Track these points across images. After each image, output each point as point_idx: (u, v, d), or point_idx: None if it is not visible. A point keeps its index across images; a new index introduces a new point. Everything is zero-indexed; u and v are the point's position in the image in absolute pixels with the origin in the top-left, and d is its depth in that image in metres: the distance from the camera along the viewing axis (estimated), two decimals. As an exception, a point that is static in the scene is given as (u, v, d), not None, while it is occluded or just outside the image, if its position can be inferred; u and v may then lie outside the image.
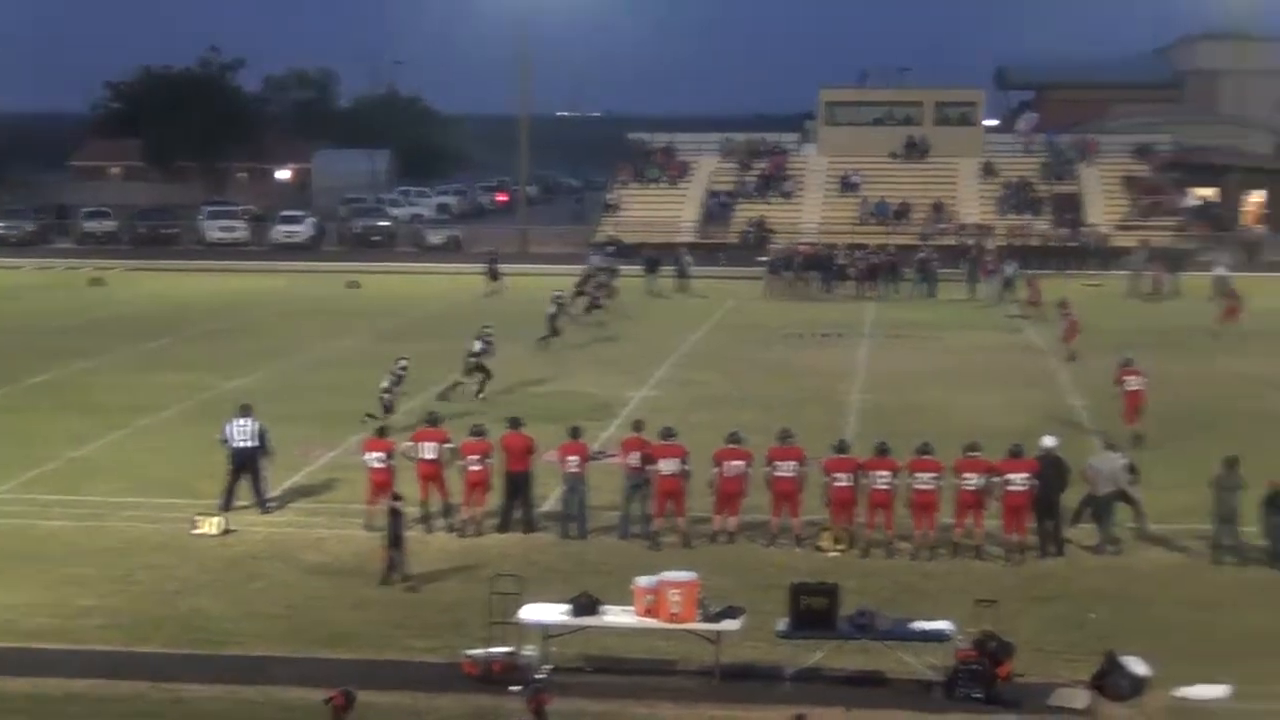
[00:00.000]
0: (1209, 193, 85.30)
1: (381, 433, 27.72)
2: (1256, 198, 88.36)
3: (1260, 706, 18.67)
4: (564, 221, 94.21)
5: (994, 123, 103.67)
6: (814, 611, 19.68)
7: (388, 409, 34.17)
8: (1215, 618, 22.24)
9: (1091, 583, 23.95)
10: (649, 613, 19.94)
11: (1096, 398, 38.16)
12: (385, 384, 34.93)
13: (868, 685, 19.46)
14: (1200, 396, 39.32)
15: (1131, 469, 26.67)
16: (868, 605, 20.46)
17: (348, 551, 25.56)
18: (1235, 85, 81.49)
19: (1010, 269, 61.62)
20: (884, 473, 25.31)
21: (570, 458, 26.41)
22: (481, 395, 37.92)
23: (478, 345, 38.95)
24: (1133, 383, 34.13)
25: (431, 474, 26.77)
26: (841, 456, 25.80)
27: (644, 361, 44.70)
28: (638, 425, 27.48)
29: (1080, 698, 18.94)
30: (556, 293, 49.88)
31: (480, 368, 38.62)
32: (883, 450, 25.71)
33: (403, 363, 35.89)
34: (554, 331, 47.40)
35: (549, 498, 27.72)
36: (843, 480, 25.41)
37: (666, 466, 25.87)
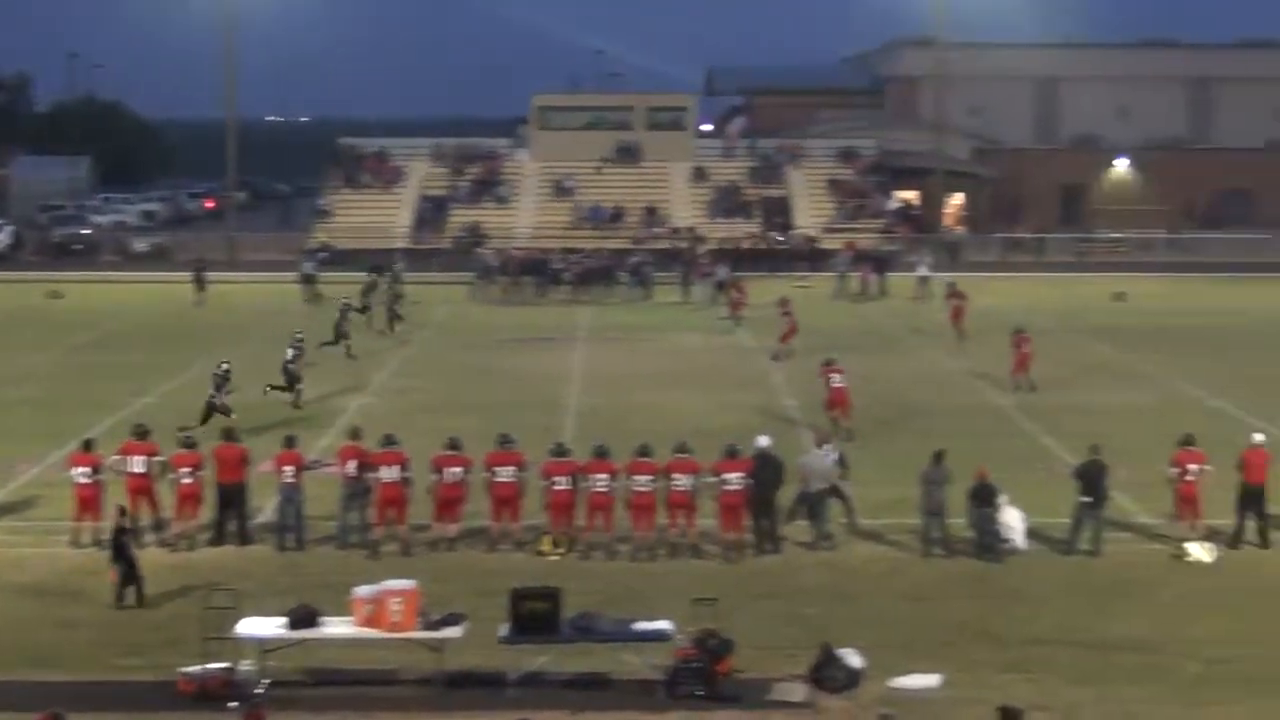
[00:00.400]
0: (911, 196, 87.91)
1: (87, 446, 26.87)
2: (956, 200, 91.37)
3: (969, 694, 19.25)
4: (274, 228, 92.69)
5: (708, 127, 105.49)
6: (536, 616, 19.68)
7: (294, 380, 37.08)
8: (925, 609, 22.89)
9: (807, 579, 24.43)
10: (369, 623, 19.70)
11: (808, 396, 39.03)
12: (289, 355, 37.35)
13: (592, 687, 19.53)
14: (908, 392, 40.48)
15: (842, 463, 27.33)
16: (589, 608, 20.57)
17: (52, 570, 24.71)
18: (934, 91, 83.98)
19: (723, 272, 62.53)
20: (602, 475, 25.44)
21: (286, 468, 25.97)
22: (297, 405, 37.49)
23: (290, 353, 38.57)
24: (836, 380, 35.08)
25: (141, 488, 26.06)
26: (560, 460, 25.86)
27: (357, 369, 44.20)
28: (355, 433, 27.16)
29: (798, 691, 19.31)
30: (344, 300, 49.26)
31: (292, 376, 38.21)
32: (601, 453, 25.84)
33: (299, 335, 38.13)
34: (340, 337, 46.57)
35: (264, 509, 27.23)
36: (562, 484, 25.47)
37: (386, 474, 25.62)
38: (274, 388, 38.21)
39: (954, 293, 49.27)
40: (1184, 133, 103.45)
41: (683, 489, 25.30)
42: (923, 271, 63.93)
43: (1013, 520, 25.74)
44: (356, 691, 19.44)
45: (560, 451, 26.20)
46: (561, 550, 25.36)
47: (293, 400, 37.63)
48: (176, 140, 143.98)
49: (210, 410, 34.54)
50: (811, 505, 26.22)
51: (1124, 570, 24.76)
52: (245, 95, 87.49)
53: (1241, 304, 61.58)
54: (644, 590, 23.53)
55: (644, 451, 25.71)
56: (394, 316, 52.92)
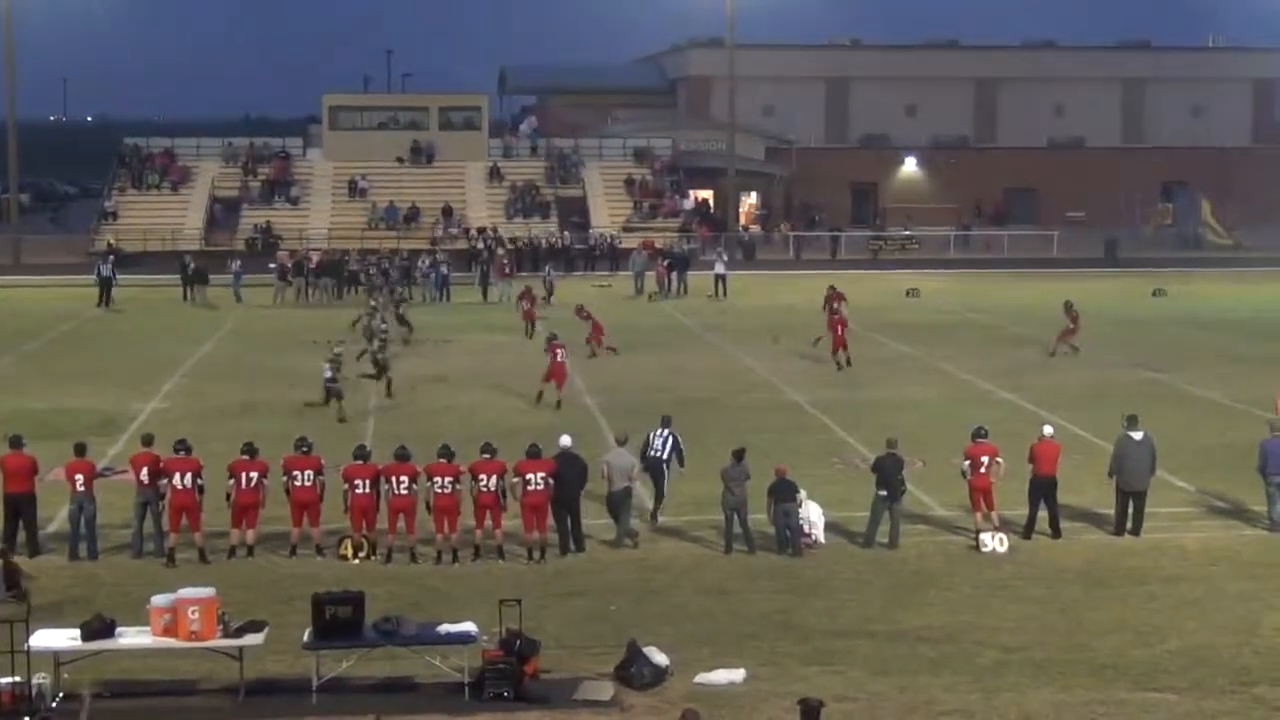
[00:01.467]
0: (706, 195, 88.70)
1: None
2: (750, 200, 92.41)
3: (773, 687, 19.43)
4: (55, 231, 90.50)
5: (519, 131, 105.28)
6: (339, 621, 19.44)
7: (337, 396, 37.16)
8: (729, 604, 23.08)
9: (612, 576, 24.49)
10: (167, 632, 19.28)
11: (609, 395, 39.22)
12: (328, 373, 37.28)
13: (397, 691, 19.35)
14: (708, 389, 40.78)
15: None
16: (393, 611, 20.39)
17: None
18: (726, 91, 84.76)
19: (549, 272, 62.84)
20: (404, 478, 25.24)
21: (77, 476, 25.34)
22: (343, 418, 36.58)
23: (327, 370, 38.00)
24: (559, 355, 38.72)
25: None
26: (360, 463, 25.60)
27: (152, 373, 43.32)
28: (147, 439, 26.58)
29: (605, 690, 19.33)
30: (373, 303, 48.84)
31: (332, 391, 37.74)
32: (401, 455, 25.62)
33: (338, 350, 38.94)
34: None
35: (54, 519, 26.55)
36: (362, 487, 25.22)
37: (180, 481, 25.13)
38: (320, 405, 37.79)
39: (834, 295, 48.86)
40: (970, 132, 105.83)
41: (488, 490, 25.21)
42: (719, 269, 64.55)
43: (813, 515, 26.08)
44: (155, 703, 19.02)
45: (361, 454, 25.94)
46: (364, 554, 25.12)
47: (338, 415, 36.78)
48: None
49: (330, 395, 37.07)
50: (613, 503, 26.28)
51: (922, 562, 25.23)
52: (27, 95, 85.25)
53: (1029, 299, 63.09)
54: (449, 592, 23.41)
55: (445, 452, 25.55)
56: (403, 320, 50.94)
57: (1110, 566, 24.94)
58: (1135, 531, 26.63)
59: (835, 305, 47.78)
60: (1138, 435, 26.96)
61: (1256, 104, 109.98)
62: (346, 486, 25.26)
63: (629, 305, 60.59)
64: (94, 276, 61.63)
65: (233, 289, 61.96)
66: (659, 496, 27.71)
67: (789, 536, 25.51)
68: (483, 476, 25.25)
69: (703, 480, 28.23)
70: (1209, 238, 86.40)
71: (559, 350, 38.85)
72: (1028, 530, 26.55)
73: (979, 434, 26.86)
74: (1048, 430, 27.51)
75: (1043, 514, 26.69)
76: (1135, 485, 26.78)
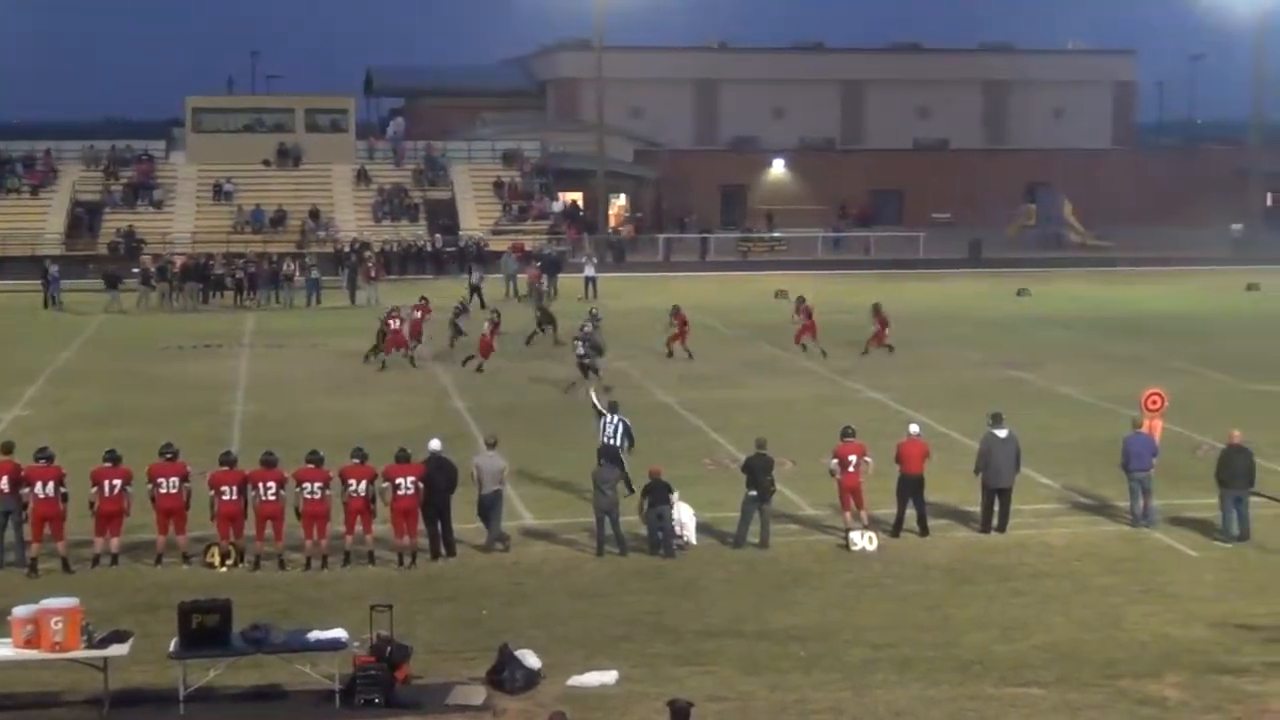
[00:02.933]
0: (575, 197, 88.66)
1: None
2: (619, 202, 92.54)
3: (645, 688, 19.47)
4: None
5: (386, 134, 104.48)
6: (206, 629, 19.17)
7: (595, 370, 39.46)
8: (601, 606, 23.10)
9: (483, 580, 24.42)
10: (29, 643, 18.93)
11: (478, 397, 39.14)
12: (580, 350, 39.91)
13: (266, 700, 19.17)
14: (571, 394, 40.74)
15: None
16: (261, 619, 20.19)
17: None
18: (594, 93, 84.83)
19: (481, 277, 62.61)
20: (271, 484, 24.98)
21: (-64, 486, 24.82)
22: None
23: (580, 348, 40.51)
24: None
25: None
26: (227, 469, 25.31)
27: (11, 380, 42.56)
28: (7, 447, 26.04)
29: (477, 694, 19.28)
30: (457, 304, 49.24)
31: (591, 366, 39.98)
32: (269, 461, 25.36)
33: (588, 327, 41.18)
34: (459, 332, 47.06)
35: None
36: (229, 494, 24.94)
37: (40, 489, 24.69)
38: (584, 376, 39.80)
39: (802, 307, 48.73)
40: (837, 134, 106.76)
41: (358, 495, 25.03)
42: (589, 272, 64.63)
43: (684, 516, 26.16)
44: (18, 716, 18.70)
45: (227, 460, 25.64)
46: (231, 562, 24.84)
47: (595, 381, 38.61)
48: None
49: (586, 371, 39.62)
50: (484, 507, 26.18)
51: (792, 561, 25.40)
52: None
53: (894, 299, 63.65)
54: (318, 599, 23.21)
55: (314, 458, 25.33)
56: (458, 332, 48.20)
57: (977, 563, 25.27)
58: (1001, 528, 26.98)
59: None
60: (1002, 433, 27.32)
61: (1116, 106, 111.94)
62: (212, 493, 24.96)
63: (505, 308, 60.23)
64: None
65: (49, 294, 60.74)
66: (626, 480, 27.74)
67: (661, 538, 25.57)
68: (352, 481, 25.05)
69: (572, 483, 28.21)
70: (1071, 237, 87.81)
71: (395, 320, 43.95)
72: (896, 528, 26.82)
73: (847, 433, 27.09)
74: (914, 429, 27.81)
75: (911, 512, 26.98)
76: (1001, 482, 27.12)
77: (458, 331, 46.98)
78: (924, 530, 26.85)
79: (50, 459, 25.18)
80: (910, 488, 26.85)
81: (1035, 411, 36.66)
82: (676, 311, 46.79)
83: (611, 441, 28.69)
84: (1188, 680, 19.82)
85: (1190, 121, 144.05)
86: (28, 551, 24.82)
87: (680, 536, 25.87)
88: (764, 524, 26.20)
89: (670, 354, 46.22)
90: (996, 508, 27.12)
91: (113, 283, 61.41)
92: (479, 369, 43.68)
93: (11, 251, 73.11)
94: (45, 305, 61.14)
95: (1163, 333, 52.76)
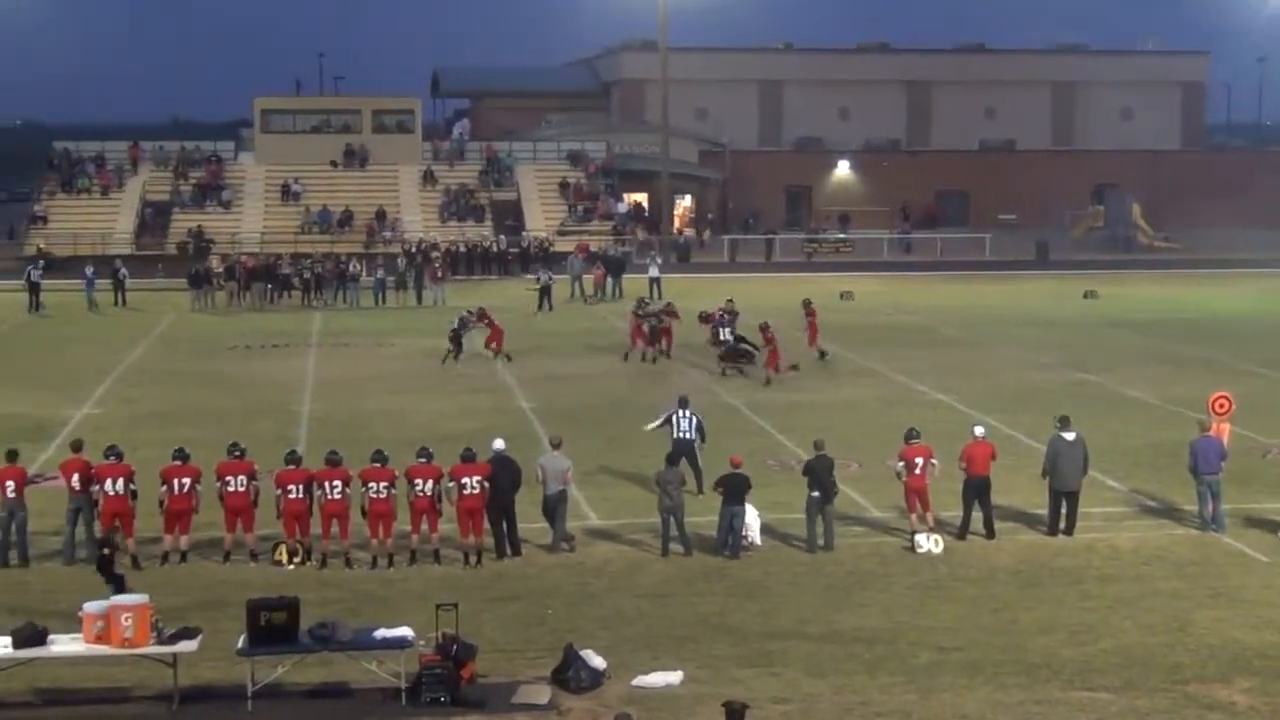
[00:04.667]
0: (640, 198, 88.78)
1: None
2: (684, 203, 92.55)
3: (710, 689, 19.45)
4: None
5: (452, 135, 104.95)
6: (274, 627, 19.32)
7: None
8: (666, 607, 23.08)
9: (548, 580, 24.45)
10: (100, 639, 19.12)
11: (543, 399, 39.22)
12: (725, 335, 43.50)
13: (332, 697, 19.28)
14: (645, 392, 40.77)
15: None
16: (328, 617, 20.30)
17: None
18: (659, 95, 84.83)
19: (544, 275, 62.53)
20: (337, 482, 25.11)
21: (8, 483, 25.08)
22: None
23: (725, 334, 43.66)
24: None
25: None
26: (294, 468, 25.46)
27: (82, 379, 42.97)
28: (77, 445, 26.37)
29: (542, 693, 19.32)
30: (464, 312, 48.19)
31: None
32: (334, 460, 25.49)
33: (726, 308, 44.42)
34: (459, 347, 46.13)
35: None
36: (295, 492, 25.09)
37: (111, 487, 24.93)
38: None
39: (807, 308, 48.60)
40: (902, 135, 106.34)
41: (423, 494, 25.13)
42: (653, 273, 64.64)
43: (749, 517, 26.12)
44: (88, 710, 18.88)
45: (292, 459, 25.80)
46: (298, 560, 24.99)
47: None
48: None
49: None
50: (549, 507, 26.23)
51: (857, 563, 25.31)
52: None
53: (960, 301, 63.56)
54: (385, 597, 23.31)
55: (379, 457, 25.45)
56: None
57: (1044, 566, 25.12)
58: (1069, 531, 26.81)
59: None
60: (1070, 436, 27.15)
61: (1185, 107, 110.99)
62: (279, 492, 25.12)
63: (566, 308, 60.48)
64: (22, 282, 61.15)
65: (86, 295, 60.87)
66: (698, 474, 28.06)
67: (730, 539, 25.52)
68: (418, 481, 25.15)
69: (637, 483, 28.22)
70: (1139, 239, 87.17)
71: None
72: (962, 531, 26.69)
73: (912, 435, 26.98)
74: (979, 431, 27.66)
75: (977, 514, 26.85)
76: (1068, 485, 26.96)
77: (459, 345, 46.16)
78: (990, 533, 26.71)
79: (120, 456, 25.44)
80: (976, 490, 26.71)
81: (1103, 414, 36.38)
82: (807, 305, 46.93)
83: (686, 436, 28.93)
84: (1257, 686, 19.64)
85: (1258, 123, 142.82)
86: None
87: (745, 538, 25.83)
88: (828, 526, 26.13)
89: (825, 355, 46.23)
90: (1064, 511, 26.96)
91: (197, 282, 62.03)
92: (625, 357, 46.00)
93: (82, 251, 73.72)
94: (115, 304, 61.69)
95: (1231, 335, 52.28)
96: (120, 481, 24.97)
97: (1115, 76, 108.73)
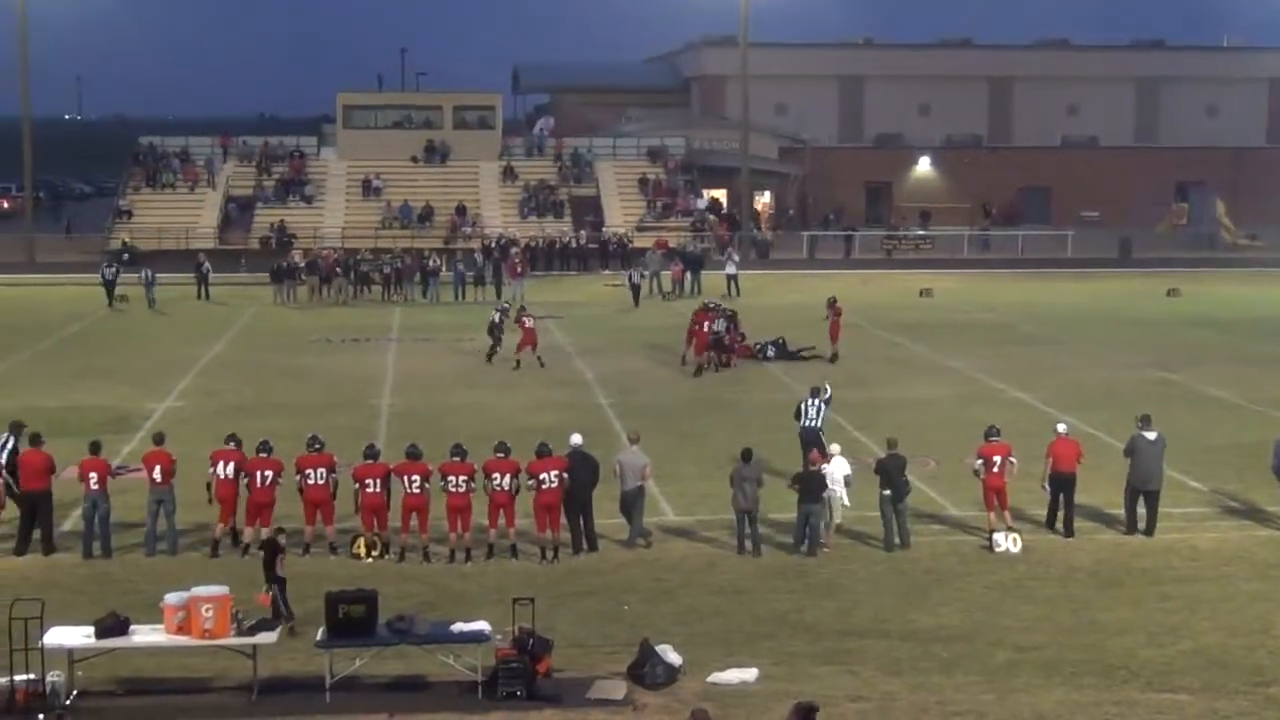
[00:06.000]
0: (719, 194, 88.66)
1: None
2: (763, 199, 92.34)
3: (786, 686, 19.42)
4: (72, 229, 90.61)
5: (534, 132, 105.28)
6: (352, 619, 19.45)
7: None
8: (741, 604, 23.07)
9: (624, 576, 24.48)
10: (181, 630, 19.32)
11: (621, 395, 39.26)
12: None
13: (409, 690, 19.38)
14: (720, 389, 40.78)
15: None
16: (406, 610, 20.42)
17: None
18: (739, 90, 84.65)
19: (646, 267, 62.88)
20: (416, 476, 25.25)
21: (91, 474, 25.41)
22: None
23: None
24: (528, 323, 44.04)
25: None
26: (372, 463, 25.62)
27: (164, 372, 43.42)
28: (159, 438, 26.65)
29: (618, 689, 19.34)
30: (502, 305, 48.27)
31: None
32: (413, 454, 25.65)
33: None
34: (497, 342, 45.69)
35: (69, 517, 26.63)
36: (373, 486, 25.24)
37: (223, 470, 25.23)
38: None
39: (832, 306, 48.27)
40: (984, 131, 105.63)
41: (501, 489, 25.22)
42: (730, 269, 64.57)
43: (839, 472, 26.36)
44: (169, 700, 19.05)
45: (371, 454, 25.96)
46: (376, 553, 25.15)
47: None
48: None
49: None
50: (626, 503, 26.27)
51: (935, 561, 25.21)
52: (40, 94, 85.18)
53: (1041, 299, 63.11)
54: (462, 591, 23.42)
55: (458, 452, 25.58)
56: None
57: (1123, 566, 24.93)
58: (1149, 532, 26.60)
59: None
60: (1151, 435, 26.92)
61: (1271, 104, 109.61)
62: (357, 486, 25.29)
63: (644, 305, 60.43)
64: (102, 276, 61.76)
65: (145, 294, 60.84)
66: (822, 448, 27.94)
67: (807, 535, 25.50)
68: (496, 475, 25.25)
69: (713, 480, 28.21)
70: (1224, 238, 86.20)
71: (526, 319, 44.41)
72: (1049, 520, 26.58)
73: (991, 433, 26.84)
74: (1061, 428, 27.51)
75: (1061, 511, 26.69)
76: (1149, 485, 26.76)
77: (497, 340, 45.75)
78: (1069, 531, 26.53)
79: (239, 443, 25.80)
80: (1061, 486, 26.57)
81: (1184, 414, 36.08)
82: (832, 303, 46.64)
83: (813, 424, 29.40)
84: (1339, 690, 19.42)
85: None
86: (179, 540, 25.44)
87: (826, 524, 25.80)
88: (901, 524, 26.05)
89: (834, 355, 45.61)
90: (1144, 511, 26.75)
91: (280, 277, 62.57)
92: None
93: (166, 245, 74.47)
94: (199, 297, 62.26)
95: (1318, 335, 51.67)
96: (230, 465, 25.34)
97: (1199, 72, 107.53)
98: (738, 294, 62.13)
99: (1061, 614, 22.55)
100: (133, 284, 60.86)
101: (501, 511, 25.35)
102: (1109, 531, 26.88)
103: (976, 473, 26.63)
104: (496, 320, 45.95)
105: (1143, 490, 26.78)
